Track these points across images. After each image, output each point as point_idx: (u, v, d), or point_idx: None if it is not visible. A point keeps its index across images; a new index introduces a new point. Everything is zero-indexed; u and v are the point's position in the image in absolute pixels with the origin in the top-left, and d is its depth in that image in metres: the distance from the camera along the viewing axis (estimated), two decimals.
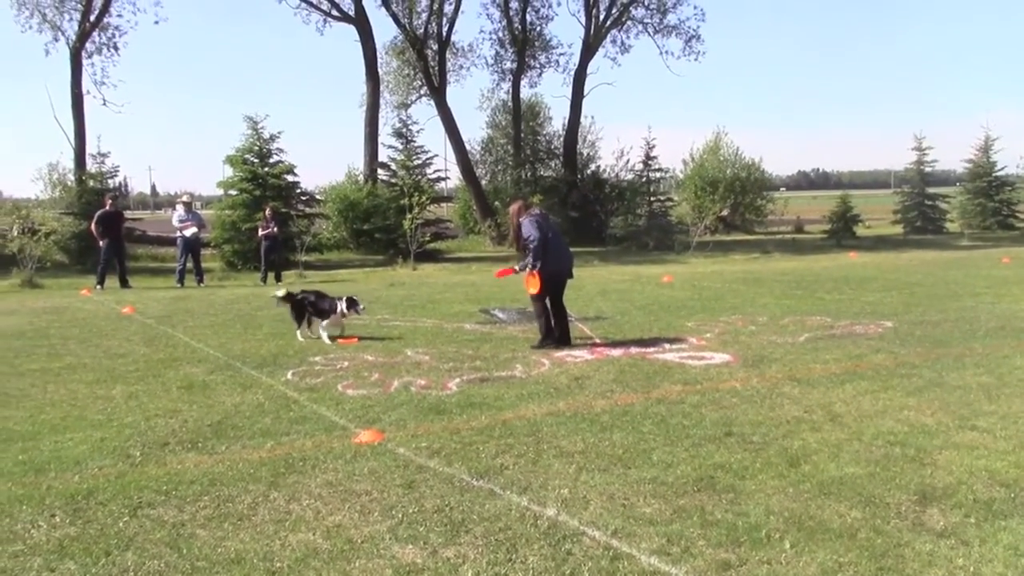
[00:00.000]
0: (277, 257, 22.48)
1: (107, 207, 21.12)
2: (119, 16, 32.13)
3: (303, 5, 34.76)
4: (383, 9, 33.94)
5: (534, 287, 10.79)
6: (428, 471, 5.90)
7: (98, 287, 20.13)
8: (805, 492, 5.34)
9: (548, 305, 10.89)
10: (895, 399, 7.67)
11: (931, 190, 43.16)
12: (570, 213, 35.34)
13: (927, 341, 10.65)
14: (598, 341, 11.14)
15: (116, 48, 32.22)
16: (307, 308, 11.75)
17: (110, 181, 29.33)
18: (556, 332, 10.85)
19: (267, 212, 22.60)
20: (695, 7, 53.25)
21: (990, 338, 10.78)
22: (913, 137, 43.39)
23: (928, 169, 43.17)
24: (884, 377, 8.60)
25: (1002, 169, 43.78)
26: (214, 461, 6.25)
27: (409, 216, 26.07)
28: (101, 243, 20.64)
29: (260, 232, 22.26)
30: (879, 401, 7.61)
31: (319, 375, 9.30)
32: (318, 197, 32.74)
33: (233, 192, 28.06)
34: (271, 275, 21.74)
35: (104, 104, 32.10)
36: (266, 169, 27.69)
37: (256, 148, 27.76)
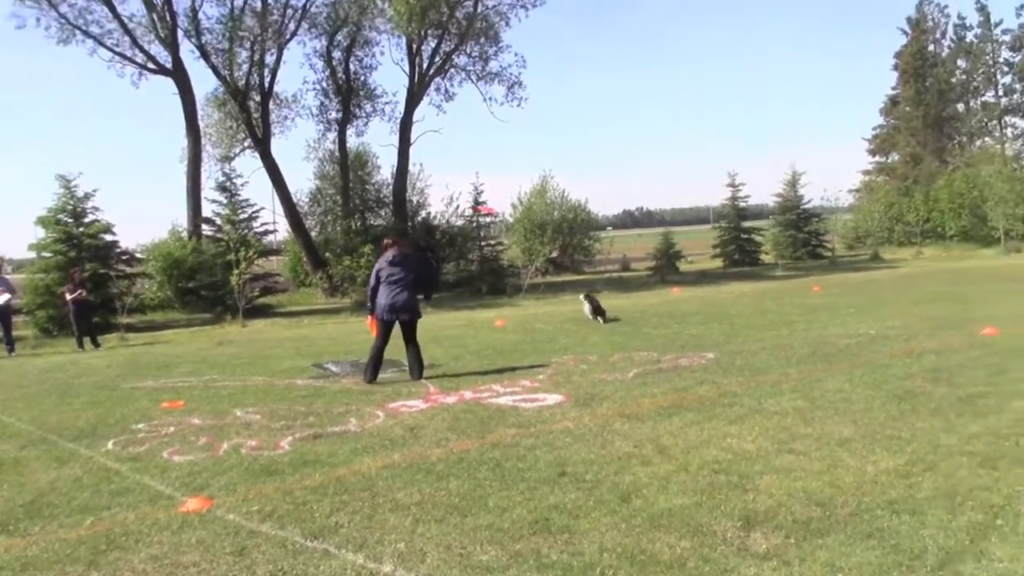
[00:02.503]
0: (87, 322, 21.33)
1: None
2: None
3: (116, 58, 33.68)
4: (202, 61, 33.27)
5: (372, 330, 12.05)
6: (260, 536, 5.73)
7: None
8: (637, 526, 5.47)
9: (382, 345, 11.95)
10: (719, 428, 7.98)
11: (746, 224, 45.45)
12: None
13: (746, 370, 11.14)
14: (432, 389, 11.13)
15: None
16: None
17: None
18: (410, 368, 12.04)
19: (74, 275, 21.51)
20: (516, 54, 54.68)
21: (803, 364, 11.37)
22: (727, 174, 45.64)
23: (742, 204, 45.46)
24: (708, 407, 8.93)
25: (809, 202, 46.62)
26: (27, 544, 5.88)
27: (236, 272, 25.38)
28: None
29: (68, 296, 21.13)
30: (704, 431, 7.89)
31: (142, 443, 8.90)
32: (139, 256, 31.50)
33: (47, 254, 26.69)
34: (88, 340, 20.67)
35: None
36: (81, 229, 26.52)
37: (70, 207, 26.57)
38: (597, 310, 18.85)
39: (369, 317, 12.26)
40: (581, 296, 20.83)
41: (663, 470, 6.69)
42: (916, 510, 5.45)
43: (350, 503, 6.33)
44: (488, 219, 35.76)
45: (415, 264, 12.17)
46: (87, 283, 21.87)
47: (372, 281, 12.08)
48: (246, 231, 30.43)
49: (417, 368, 12.01)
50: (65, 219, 26.60)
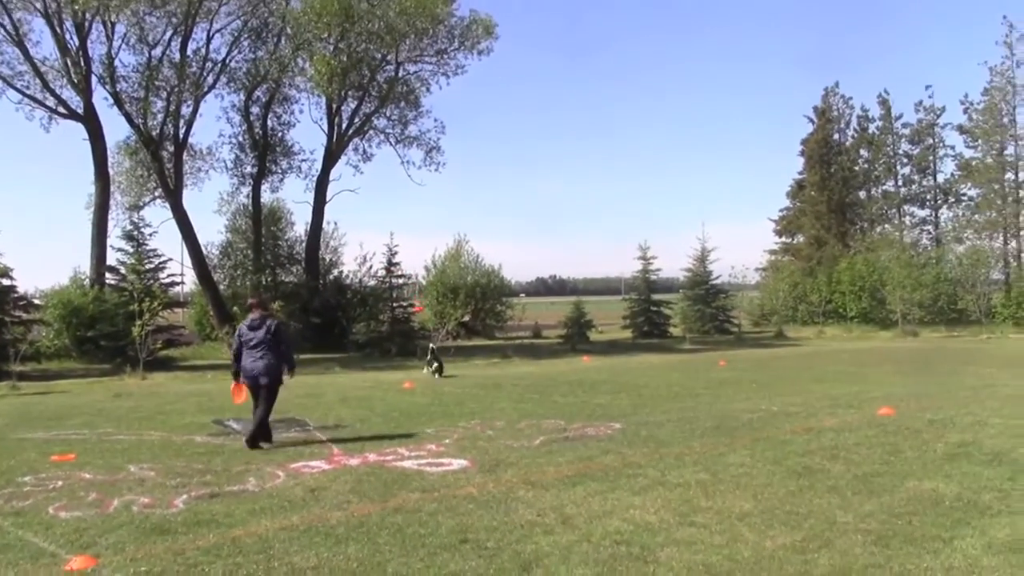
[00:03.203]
0: None
1: None
2: None
3: (26, 100, 32.95)
4: (115, 108, 32.74)
5: (234, 396, 11.92)
6: None
7: None
8: None
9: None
10: (622, 499, 7.99)
11: (656, 296, 46.16)
12: (312, 319, 34.92)
13: (651, 441, 11.23)
14: (336, 451, 10.94)
15: None
16: None
17: None
18: (253, 433, 11.32)
19: None
20: (435, 119, 54.60)
21: (707, 436, 11.51)
22: (639, 247, 46.43)
23: (653, 277, 46.23)
24: (612, 477, 8.95)
25: (717, 278, 47.66)
26: None
27: (139, 322, 24.74)
28: None
29: None
30: (607, 501, 7.90)
31: (27, 497, 8.53)
32: (37, 302, 30.50)
33: None
34: None
35: None
36: None
37: None
38: (439, 369, 22.26)
39: (233, 383, 11.92)
40: (430, 347, 23.46)
41: (565, 540, 6.66)
42: None
43: (244, 566, 6.14)
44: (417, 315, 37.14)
45: (272, 332, 11.55)
46: None
47: (235, 344, 11.83)
48: (151, 281, 29.78)
49: (253, 432, 11.28)
50: None
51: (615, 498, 8.04)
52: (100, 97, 33.44)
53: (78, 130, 33.19)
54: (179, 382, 22.75)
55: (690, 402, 15.45)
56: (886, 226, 55.28)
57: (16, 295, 27.63)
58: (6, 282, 26.53)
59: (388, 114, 38.84)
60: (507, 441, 11.42)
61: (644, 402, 15.59)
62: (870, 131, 55.11)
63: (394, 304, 36.01)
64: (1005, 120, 47.50)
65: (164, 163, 34.44)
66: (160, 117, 33.95)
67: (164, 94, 33.62)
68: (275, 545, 6.66)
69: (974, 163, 49.68)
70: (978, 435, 11.11)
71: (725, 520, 7.17)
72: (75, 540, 6.91)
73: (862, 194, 56.05)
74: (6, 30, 31.20)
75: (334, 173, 38.54)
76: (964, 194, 51.83)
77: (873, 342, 36.12)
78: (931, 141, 52.69)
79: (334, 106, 37.33)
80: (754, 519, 7.17)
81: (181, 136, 35.04)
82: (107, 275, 31.58)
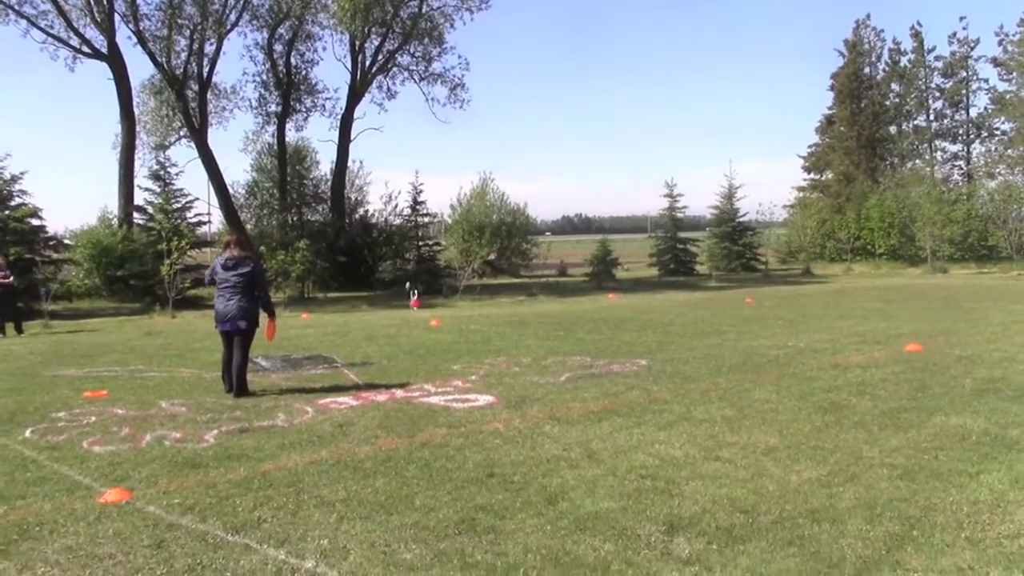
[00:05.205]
0: (10, 307, 20.65)
1: None
2: None
3: (50, 40, 32.91)
4: (139, 47, 32.65)
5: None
6: (180, 529, 5.62)
7: None
8: (562, 528, 5.47)
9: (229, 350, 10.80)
10: (647, 434, 8.03)
11: (682, 234, 45.98)
12: (338, 258, 35.04)
13: (677, 377, 11.24)
14: (364, 387, 11.04)
15: None
16: None
17: None
18: (224, 380, 10.80)
19: None
20: (460, 56, 53.93)
21: (733, 373, 11.51)
22: (665, 184, 46.10)
23: (679, 215, 46.00)
24: (638, 413, 8.99)
25: (744, 215, 47.33)
26: None
27: (167, 261, 24.95)
28: None
29: None
30: (633, 436, 7.93)
31: (62, 432, 8.68)
32: (67, 242, 30.81)
33: None
34: (10, 326, 20.10)
35: None
36: (7, 212, 25.85)
37: None
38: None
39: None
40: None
41: (591, 474, 6.71)
42: (836, 519, 5.54)
43: (274, 498, 6.24)
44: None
45: (247, 275, 10.77)
46: (11, 268, 21.27)
47: (207, 278, 11.24)
48: (179, 221, 29.99)
49: (233, 383, 10.57)
50: None
51: (640, 433, 8.07)
52: (124, 36, 33.38)
53: (103, 70, 33.21)
54: (208, 320, 22.88)
55: (716, 339, 15.42)
56: (917, 162, 54.52)
57: (46, 235, 27.91)
58: (36, 222, 26.79)
59: (412, 51, 38.56)
60: (533, 377, 11.47)
61: (670, 339, 15.58)
62: (902, 64, 54.05)
63: (420, 243, 36.07)
64: None
65: (188, 102, 34.43)
66: (184, 56, 33.91)
67: (187, 32, 33.54)
68: (304, 479, 6.76)
69: (1008, 96, 48.78)
70: (1007, 371, 11.03)
71: (750, 455, 7.19)
72: (109, 474, 7.04)
73: (892, 129, 55.16)
74: None
75: (358, 111, 38.45)
76: (997, 128, 51.01)
77: (901, 279, 35.83)
78: (964, 74, 51.68)
79: (357, 43, 37.02)
80: (779, 454, 7.19)
81: (205, 75, 34.99)
82: (135, 215, 31.82)
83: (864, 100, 53.92)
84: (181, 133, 37.06)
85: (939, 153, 53.82)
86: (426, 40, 38.11)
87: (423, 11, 36.73)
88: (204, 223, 34.67)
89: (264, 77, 38.17)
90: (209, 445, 7.99)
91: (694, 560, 4.91)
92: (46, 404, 10.29)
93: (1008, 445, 7.31)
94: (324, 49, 60.92)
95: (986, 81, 51.76)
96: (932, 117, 53.40)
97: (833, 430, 8.03)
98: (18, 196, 26.44)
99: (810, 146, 58.60)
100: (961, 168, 52.83)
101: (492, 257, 43.68)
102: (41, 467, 7.32)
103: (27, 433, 8.67)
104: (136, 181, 33.37)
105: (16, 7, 31.53)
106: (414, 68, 38.94)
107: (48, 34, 32.79)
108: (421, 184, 35.39)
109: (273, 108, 38.56)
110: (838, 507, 5.79)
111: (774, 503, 5.88)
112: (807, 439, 7.68)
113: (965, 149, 52.74)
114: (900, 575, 4.68)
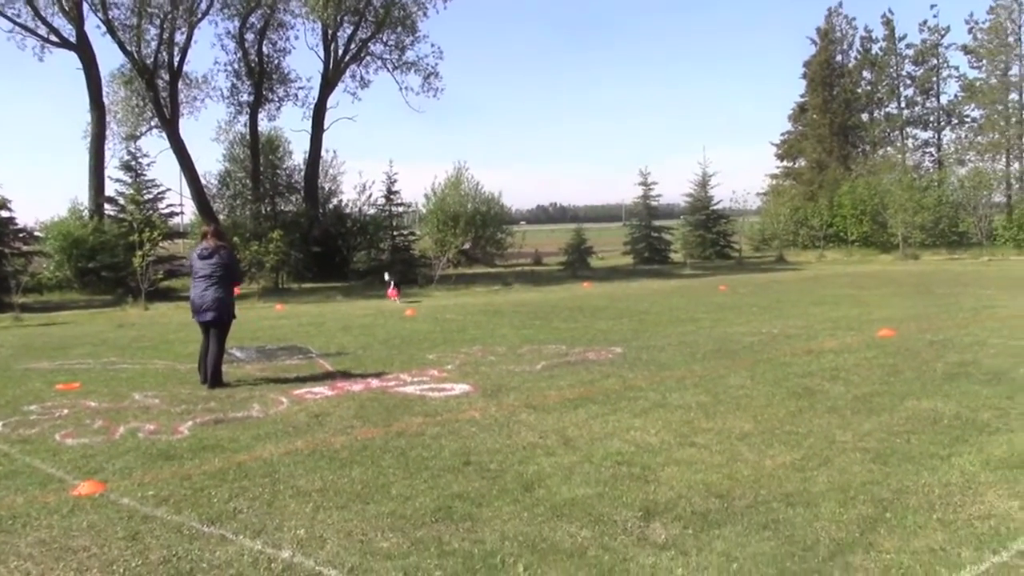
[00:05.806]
0: None
1: None
2: None
3: (17, 29, 32.47)
4: (108, 36, 32.26)
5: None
6: (154, 520, 5.59)
7: None
8: (539, 515, 5.49)
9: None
10: (623, 421, 8.06)
11: (657, 223, 46.03)
12: (312, 248, 34.86)
13: (652, 365, 11.29)
14: (339, 377, 11.01)
15: None
16: None
17: None
18: (200, 371, 10.74)
19: None
20: (433, 45, 53.74)
21: (708, 360, 11.57)
22: (639, 172, 46.16)
23: (654, 203, 46.05)
24: (613, 400, 9.02)
25: (718, 203, 47.48)
26: None
27: (139, 253, 24.68)
28: None
29: None
30: (608, 423, 7.97)
31: (34, 425, 8.61)
32: (37, 234, 30.46)
33: None
34: None
35: None
36: None
37: None
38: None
39: None
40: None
41: (567, 461, 6.73)
42: (810, 503, 5.59)
43: (250, 489, 6.23)
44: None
45: (222, 264, 10.83)
46: None
47: (188, 269, 11.07)
48: (151, 212, 29.66)
49: (208, 375, 10.53)
50: None
51: (616, 420, 8.11)
52: (92, 25, 32.88)
53: (72, 59, 32.80)
54: (181, 312, 22.74)
55: (691, 326, 15.50)
56: (888, 149, 54.76)
57: (15, 227, 27.57)
58: (5, 214, 26.46)
59: (385, 39, 38.22)
60: (509, 366, 11.48)
61: (645, 327, 15.63)
62: (873, 52, 54.22)
63: (394, 233, 35.94)
64: (1010, 39, 46.72)
65: (159, 92, 34.06)
66: (154, 45, 33.52)
67: (157, 21, 33.13)
68: (280, 469, 6.74)
69: (978, 84, 49.06)
70: (977, 355, 11.16)
71: (725, 440, 7.24)
72: (82, 466, 6.99)
73: (864, 116, 55.38)
74: None
75: (331, 101, 38.10)
76: (967, 116, 51.23)
77: (874, 266, 36.10)
78: (935, 62, 51.93)
79: (330, 32, 36.70)
80: (754, 439, 7.25)
81: (176, 64, 34.60)
82: (106, 206, 31.47)
83: (836, 88, 54.15)
84: (152, 123, 36.62)
85: (910, 140, 54.10)
86: (399, 28, 37.80)
87: None
88: (176, 214, 34.38)
89: (236, 66, 37.79)
90: (183, 436, 7.95)
91: (670, 545, 4.95)
92: (18, 397, 10.19)
93: (979, 428, 7.41)
94: (296, 38, 60.21)
95: (956, 68, 52.20)
96: (903, 104, 53.67)
97: (807, 415, 8.10)
98: None
99: (783, 134, 58.76)
100: (932, 155, 53.14)
101: (467, 246, 43.61)
102: (13, 460, 7.26)
103: None
104: (107, 172, 33.00)
105: None
106: (387, 57, 38.68)
107: (15, 23, 32.34)
108: (395, 174, 35.22)
109: (245, 98, 38.19)
110: (812, 491, 5.84)
111: (749, 488, 5.93)
112: (781, 424, 7.75)
113: (936, 136, 53.06)
114: (873, 557, 4.73)
